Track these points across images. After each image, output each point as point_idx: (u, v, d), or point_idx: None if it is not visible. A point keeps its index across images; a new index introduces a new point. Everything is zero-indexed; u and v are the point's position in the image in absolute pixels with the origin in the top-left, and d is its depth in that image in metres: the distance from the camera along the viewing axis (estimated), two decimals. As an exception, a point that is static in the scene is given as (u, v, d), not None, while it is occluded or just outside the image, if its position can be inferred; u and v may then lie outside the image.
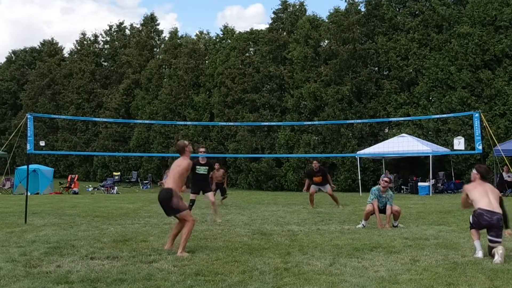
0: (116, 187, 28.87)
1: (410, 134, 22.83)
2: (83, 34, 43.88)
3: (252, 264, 5.98)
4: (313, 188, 14.14)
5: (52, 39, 47.78)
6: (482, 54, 23.00)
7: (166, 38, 39.55)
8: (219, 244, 7.53)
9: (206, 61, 34.36)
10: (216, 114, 31.11)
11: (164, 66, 36.85)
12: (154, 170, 33.95)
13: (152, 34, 41.15)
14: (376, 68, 27.79)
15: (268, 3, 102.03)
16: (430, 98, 24.89)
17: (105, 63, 42.88)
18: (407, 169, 25.23)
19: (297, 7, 31.63)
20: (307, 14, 30.88)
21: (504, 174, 19.31)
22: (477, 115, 10.01)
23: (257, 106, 29.75)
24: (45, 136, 39.05)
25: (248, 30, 32.44)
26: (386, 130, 27.05)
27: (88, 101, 40.38)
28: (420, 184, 21.92)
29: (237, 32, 33.79)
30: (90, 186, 31.05)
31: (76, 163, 39.88)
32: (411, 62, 25.47)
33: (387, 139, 23.88)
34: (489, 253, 6.24)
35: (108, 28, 43.34)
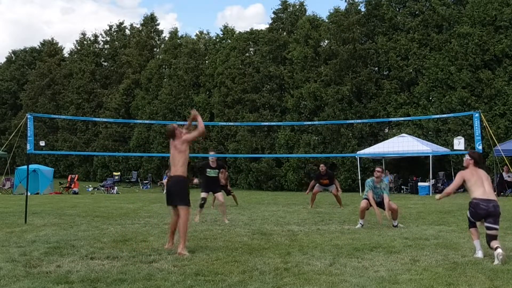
0: (116, 187, 28.88)
1: (410, 134, 22.83)
2: (83, 34, 43.94)
3: (252, 264, 5.98)
4: (317, 188, 14.32)
5: (52, 39, 47.81)
6: (482, 54, 23.01)
7: (166, 38, 39.55)
8: (219, 244, 7.53)
9: (206, 61, 34.36)
10: (216, 114, 31.11)
11: (164, 66, 36.85)
12: (154, 170, 33.96)
13: (152, 34, 41.14)
14: (376, 68, 27.80)
15: (268, 3, 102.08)
16: (430, 98, 24.90)
17: (105, 63, 42.87)
18: (407, 169, 25.24)
19: (297, 7, 31.64)
20: (307, 14, 30.89)
21: (504, 174, 19.31)
22: (477, 115, 10.01)
23: (257, 106, 29.75)
24: (45, 136, 39.04)
25: (248, 30, 32.48)
26: (386, 130, 27.06)
27: (88, 101, 40.38)
28: (420, 184, 21.94)
29: (237, 32, 33.80)
30: (90, 186, 31.06)
31: (76, 163, 39.88)
32: (411, 62, 25.47)
33: (387, 139, 23.89)
34: (488, 243, 6.19)
35: (108, 28, 43.39)
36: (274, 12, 31.68)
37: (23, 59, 49.93)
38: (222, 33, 35.39)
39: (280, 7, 31.61)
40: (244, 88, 30.09)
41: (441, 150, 21.80)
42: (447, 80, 23.68)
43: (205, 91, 33.07)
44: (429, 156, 21.31)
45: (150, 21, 41.53)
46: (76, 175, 30.04)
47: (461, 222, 9.72)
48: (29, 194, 12.47)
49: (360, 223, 9.56)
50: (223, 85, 30.94)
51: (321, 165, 14.63)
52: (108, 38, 43.18)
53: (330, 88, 26.42)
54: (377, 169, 9.85)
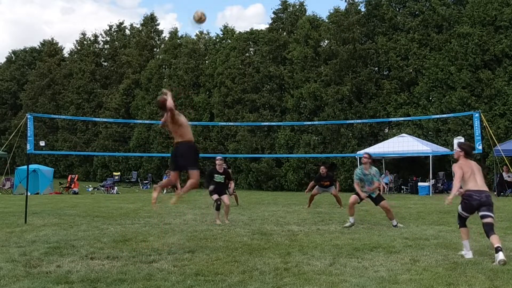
0: (116, 187, 28.86)
1: (410, 134, 22.84)
2: (83, 34, 43.95)
3: (252, 264, 5.98)
4: (316, 189, 14.35)
5: (52, 39, 47.80)
6: (482, 54, 23.01)
7: (166, 38, 39.56)
8: (219, 244, 7.53)
9: (206, 61, 34.36)
10: (216, 114, 31.11)
11: (164, 66, 36.85)
12: (154, 170, 33.95)
13: (152, 34, 41.14)
14: (376, 68, 27.80)
15: (268, 3, 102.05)
16: (430, 98, 24.90)
17: (105, 63, 42.87)
18: (407, 169, 25.25)
19: (297, 7, 31.63)
20: (307, 14, 30.89)
21: (504, 174, 19.30)
22: (477, 115, 10.01)
23: (257, 106, 29.75)
24: (45, 136, 39.05)
25: (248, 30, 32.46)
26: (386, 130, 27.06)
27: (88, 101, 40.37)
28: (420, 184, 21.95)
29: (237, 32, 33.80)
30: (90, 186, 31.05)
31: (76, 163, 39.88)
32: (411, 62, 25.48)
33: (387, 139, 23.89)
34: (486, 234, 6.22)
35: (108, 28, 43.40)
36: (274, 12, 31.70)
37: (23, 59, 49.94)
38: (222, 33, 35.40)
39: (280, 7, 31.61)
40: (244, 88, 30.09)
41: (441, 150, 21.80)
42: (447, 80, 23.68)
43: (205, 91, 33.07)
44: (429, 156, 21.32)
45: (150, 21, 41.54)
46: (76, 175, 30.02)
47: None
48: (29, 194, 12.47)
49: (350, 221, 9.52)
50: (223, 85, 30.94)
51: (322, 167, 14.65)
52: (108, 38, 43.19)
53: (330, 88, 26.42)
54: (364, 155, 9.80)
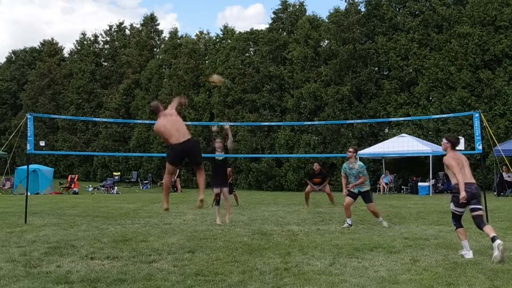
0: (116, 187, 28.85)
1: (410, 134, 22.83)
2: (83, 34, 43.87)
3: (252, 264, 5.98)
4: (309, 187, 14.62)
5: (52, 39, 47.73)
6: (482, 54, 23.01)
7: (166, 38, 39.54)
8: (219, 244, 7.53)
9: (206, 61, 34.35)
10: (216, 114, 31.10)
11: (164, 66, 36.83)
12: (154, 170, 33.94)
13: (152, 34, 41.12)
14: (376, 68, 27.79)
15: (268, 3, 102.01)
16: (430, 98, 24.90)
17: (105, 63, 42.83)
18: (407, 169, 25.24)
19: (297, 7, 31.63)
20: (307, 14, 30.88)
21: (504, 174, 19.30)
22: (477, 115, 10.01)
23: (257, 106, 29.75)
24: (45, 136, 39.03)
25: (248, 30, 32.44)
26: (386, 130, 27.06)
27: (88, 101, 40.35)
28: (420, 184, 21.95)
29: (237, 32, 33.78)
30: (90, 186, 31.04)
31: (76, 163, 39.87)
32: (411, 62, 25.47)
33: (387, 139, 23.88)
34: (479, 227, 6.36)
35: (108, 28, 43.30)
36: (274, 12, 31.69)
37: (23, 59, 49.89)
38: (222, 33, 35.39)
39: (280, 7, 31.60)
40: (244, 88, 30.09)
41: (441, 150, 21.71)
42: (447, 80, 23.68)
43: (205, 91, 33.07)
44: (429, 156, 21.31)
45: (150, 21, 41.52)
46: (76, 175, 30.01)
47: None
48: (29, 194, 12.47)
49: (348, 223, 9.55)
50: (223, 85, 30.92)
51: (316, 164, 14.98)
52: (108, 38, 43.15)
53: (330, 88, 26.42)
54: (349, 149, 9.99)
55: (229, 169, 15.96)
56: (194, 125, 31.20)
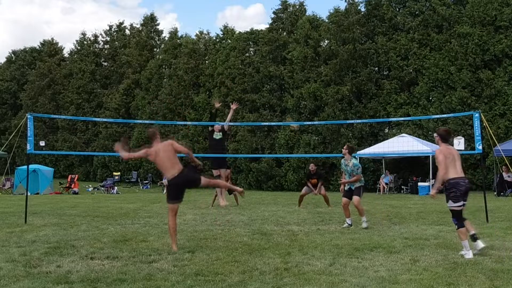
0: (116, 187, 28.88)
1: (410, 134, 22.83)
2: (83, 34, 43.92)
3: (252, 264, 5.98)
4: (305, 190, 14.49)
5: (52, 39, 47.78)
6: (482, 54, 23.01)
7: (166, 38, 39.56)
8: (219, 244, 7.53)
9: (206, 61, 34.36)
10: (216, 114, 31.04)
11: (164, 66, 36.85)
12: (154, 170, 33.86)
13: (152, 34, 41.15)
14: (376, 68, 27.80)
15: (268, 3, 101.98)
16: (430, 98, 24.91)
17: (105, 63, 42.85)
18: (407, 169, 25.24)
19: (297, 7, 31.65)
20: (307, 14, 30.90)
21: (504, 174, 19.30)
22: (477, 115, 10.01)
23: (257, 106, 29.75)
24: (45, 136, 39.02)
25: (248, 30, 32.49)
26: (386, 130, 27.07)
27: (88, 101, 40.36)
28: (420, 184, 21.94)
29: (237, 32, 33.79)
30: (90, 186, 31.06)
31: (76, 163, 39.87)
32: (411, 62, 25.47)
33: (387, 139, 23.89)
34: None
35: (108, 28, 43.37)
36: (274, 12, 31.74)
37: (23, 59, 49.87)
38: (222, 33, 35.40)
39: (280, 7, 31.63)
40: (244, 88, 30.09)
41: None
42: (447, 80, 23.68)
43: (205, 91, 33.06)
44: (429, 156, 21.29)
45: (150, 21, 41.54)
46: (76, 175, 30.04)
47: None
48: (29, 194, 12.47)
49: (347, 223, 9.56)
50: (223, 85, 30.94)
51: (311, 164, 14.91)
52: (108, 38, 43.17)
53: (330, 88, 26.42)
54: (344, 147, 10.00)
55: (228, 170, 16.02)
56: (194, 125, 31.22)
